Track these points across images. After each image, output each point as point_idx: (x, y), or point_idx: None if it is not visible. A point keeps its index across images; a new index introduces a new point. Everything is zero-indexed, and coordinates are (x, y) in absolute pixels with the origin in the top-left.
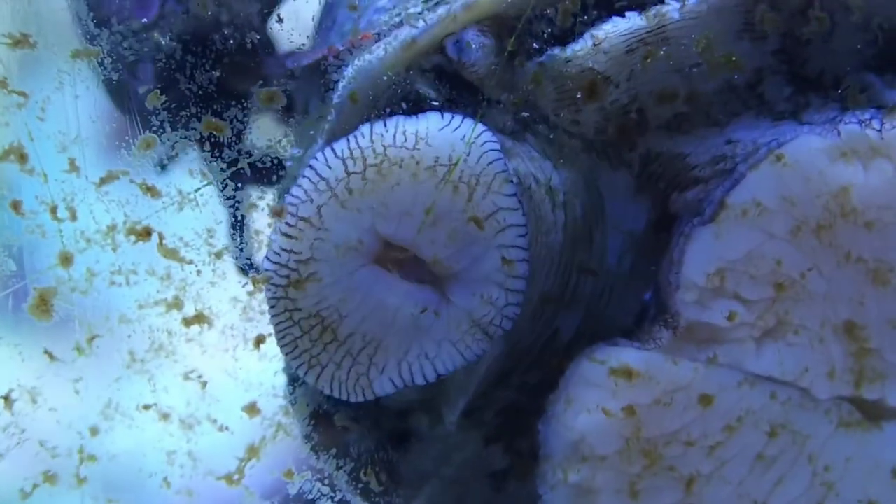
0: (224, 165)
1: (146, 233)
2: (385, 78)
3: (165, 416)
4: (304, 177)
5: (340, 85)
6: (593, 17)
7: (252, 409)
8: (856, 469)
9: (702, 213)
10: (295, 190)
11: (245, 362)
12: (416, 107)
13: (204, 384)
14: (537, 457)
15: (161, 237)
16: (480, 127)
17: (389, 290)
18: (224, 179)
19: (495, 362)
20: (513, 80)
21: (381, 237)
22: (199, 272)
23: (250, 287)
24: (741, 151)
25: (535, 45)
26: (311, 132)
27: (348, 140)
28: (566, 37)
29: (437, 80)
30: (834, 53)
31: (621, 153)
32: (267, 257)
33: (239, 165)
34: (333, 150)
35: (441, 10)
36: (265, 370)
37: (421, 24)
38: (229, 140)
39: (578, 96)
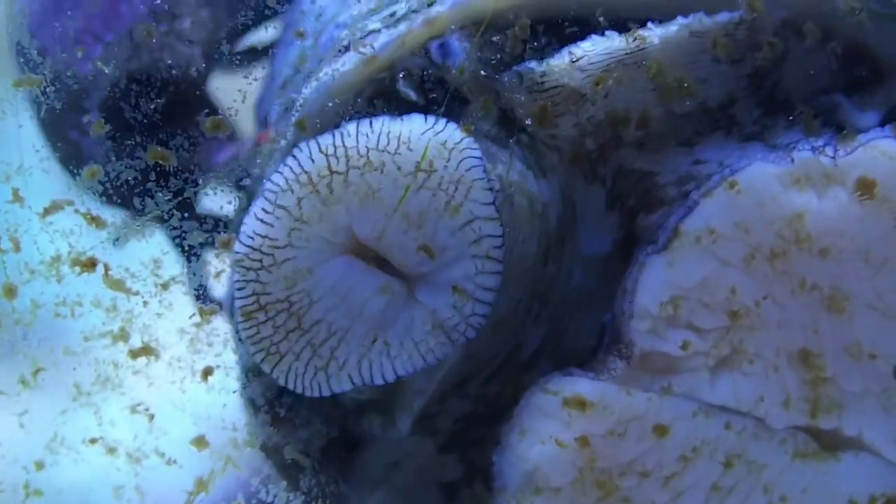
0: (170, 195)
1: (91, 264)
2: (331, 104)
3: (112, 450)
4: (285, 165)
5: (298, 104)
6: (542, 43)
7: (200, 441)
8: (812, 499)
9: (655, 241)
10: (275, 177)
11: (193, 394)
12: (399, 106)
13: (151, 417)
14: (489, 475)
15: (107, 268)
16: (462, 132)
17: (363, 280)
18: (170, 209)
19: (454, 368)
20: (494, 86)
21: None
22: (145, 303)
23: (197, 318)
24: (706, 172)
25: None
26: (268, 151)
27: (334, 136)
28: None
29: (420, 83)
30: (804, 76)
31: (596, 168)
32: (239, 240)
33: (185, 195)
34: (318, 143)
35: (402, 27)
36: (213, 402)
37: (382, 39)
38: (175, 169)
39: (528, 122)
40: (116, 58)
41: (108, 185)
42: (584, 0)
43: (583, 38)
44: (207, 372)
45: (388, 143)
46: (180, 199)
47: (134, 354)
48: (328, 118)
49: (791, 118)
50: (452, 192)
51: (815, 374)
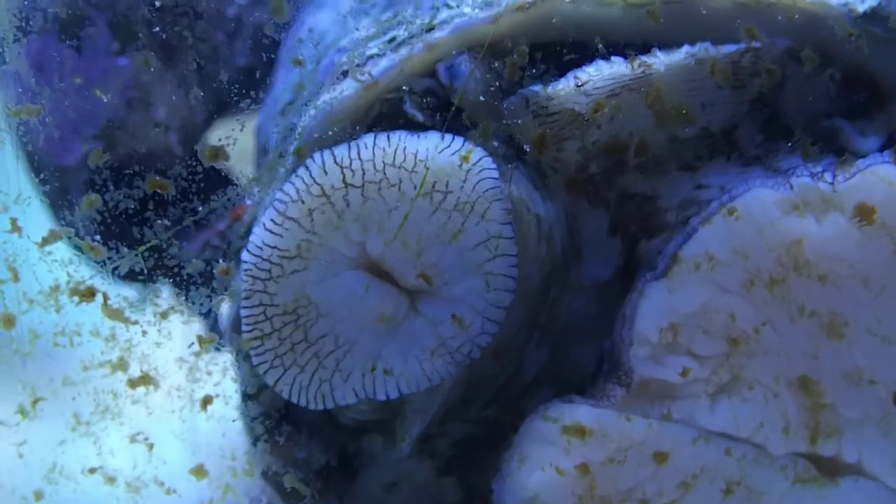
0: (168, 223)
1: (90, 293)
2: (330, 133)
3: (111, 480)
4: (297, 176)
5: (297, 130)
6: (541, 70)
7: (200, 471)
8: None
9: (655, 268)
10: (286, 187)
11: (192, 423)
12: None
13: (150, 446)
14: (489, 500)
15: (105, 297)
16: (480, 152)
17: (371, 294)
18: (169, 238)
19: (456, 390)
20: (499, 109)
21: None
22: (144, 333)
23: (196, 347)
24: (708, 197)
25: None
26: (268, 175)
27: (349, 148)
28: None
29: (426, 104)
30: (806, 101)
31: (600, 192)
32: (247, 249)
33: (184, 223)
34: (333, 154)
35: (403, 51)
36: (213, 431)
37: (383, 64)
38: (174, 198)
39: (526, 148)
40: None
41: (106, 214)
42: (581, 25)
43: (581, 64)
44: (207, 401)
45: (404, 160)
46: (179, 227)
47: (133, 384)
48: (328, 145)
49: (791, 143)
50: (468, 212)
51: (815, 400)
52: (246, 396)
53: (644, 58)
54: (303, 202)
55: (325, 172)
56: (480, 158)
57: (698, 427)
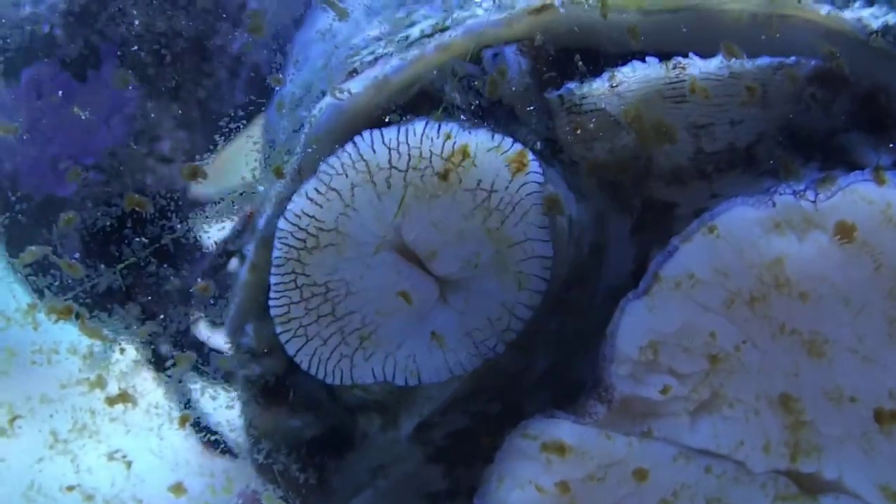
0: (146, 241)
1: (68, 311)
2: (337, 132)
3: (90, 498)
4: (344, 151)
5: (305, 129)
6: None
7: (178, 488)
8: None
9: (635, 287)
10: (332, 160)
11: (170, 441)
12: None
13: (129, 464)
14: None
15: (83, 315)
16: (529, 154)
17: (405, 278)
18: (147, 257)
19: (468, 382)
20: (543, 104)
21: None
22: (122, 350)
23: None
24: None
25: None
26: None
27: (399, 131)
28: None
29: (467, 90)
30: (786, 119)
31: (629, 196)
32: (285, 217)
33: (162, 242)
34: (382, 134)
35: (415, 51)
36: (191, 449)
37: (394, 62)
38: (152, 216)
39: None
40: (97, 181)
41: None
42: (593, 31)
43: (561, 84)
44: (185, 419)
45: (452, 153)
46: (157, 245)
47: (111, 401)
48: (334, 144)
49: (805, 157)
50: (509, 212)
51: (795, 417)
52: (248, 358)
53: (679, 59)
54: (346, 176)
55: (374, 151)
56: (530, 161)
57: (679, 444)
